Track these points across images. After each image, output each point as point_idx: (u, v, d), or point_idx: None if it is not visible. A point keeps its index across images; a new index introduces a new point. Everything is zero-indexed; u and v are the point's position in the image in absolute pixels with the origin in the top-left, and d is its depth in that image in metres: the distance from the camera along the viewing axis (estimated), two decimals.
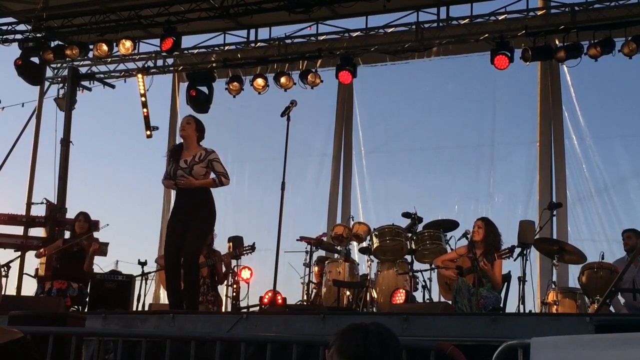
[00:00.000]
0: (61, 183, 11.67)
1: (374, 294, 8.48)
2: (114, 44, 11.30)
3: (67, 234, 10.17)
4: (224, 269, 9.10)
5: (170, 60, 13.12)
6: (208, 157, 7.07)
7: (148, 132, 12.29)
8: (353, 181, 12.51)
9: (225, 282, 9.38)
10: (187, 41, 12.08)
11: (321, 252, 9.85)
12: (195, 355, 4.69)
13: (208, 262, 8.75)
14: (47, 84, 13.21)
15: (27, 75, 11.84)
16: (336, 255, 9.47)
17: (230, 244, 9.35)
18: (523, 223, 8.17)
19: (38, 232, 11.04)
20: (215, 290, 8.95)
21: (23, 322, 4.97)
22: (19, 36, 11.98)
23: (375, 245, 8.65)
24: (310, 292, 9.27)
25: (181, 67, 13.06)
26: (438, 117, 12.42)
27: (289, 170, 7.92)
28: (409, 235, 8.67)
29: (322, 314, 5.93)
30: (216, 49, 12.65)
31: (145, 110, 12.39)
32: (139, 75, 12.47)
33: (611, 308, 7.54)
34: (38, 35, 11.76)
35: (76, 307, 8.57)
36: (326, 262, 9.24)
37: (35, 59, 11.84)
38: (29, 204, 12.13)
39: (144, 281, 9.27)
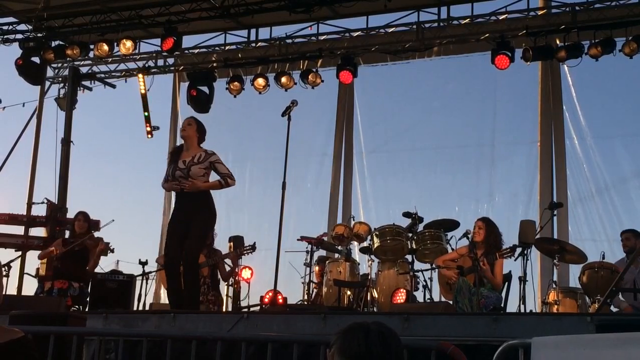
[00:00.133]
0: (62, 183, 11.68)
1: (375, 294, 8.48)
2: (115, 44, 11.30)
3: (66, 234, 10.16)
4: (227, 268, 9.08)
5: (171, 60, 13.13)
6: (209, 159, 7.06)
7: (148, 128, 12.28)
8: (354, 181, 12.52)
9: (226, 282, 9.37)
10: (188, 41, 12.11)
11: (322, 252, 9.86)
12: (196, 354, 4.69)
13: (209, 262, 8.75)
14: (47, 83, 13.23)
15: (27, 75, 11.84)
16: (337, 255, 9.47)
17: (231, 243, 9.34)
18: (524, 223, 8.18)
19: (39, 231, 11.05)
20: (216, 289, 8.95)
21: (24, 321, 4.97)
22: (19, 36, 11.99)
23: (376, 245, 8.66)
24: (311, 292, 9.27)
25: (182, 67, 13.06)
26: (439, 116, 12.42)
27: (290, 170, 7.92)
28: (410, 235, 8.67)
29: (323, 314, 5.93)
30: (217, 48, 12.66)
31: (145, 110, 12.39)
32: (140, 75, 12.47)
33: (613, 308, 7.55)
34: (39, 35, 11.76)
35: (77, 306, 8.57)
36: (327, 261, 9.24)
37: (36, 59, 11.84)
38: (30, 204, 12.14)
39: (144, 281, 9.28)
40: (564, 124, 11.24)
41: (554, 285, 8.15)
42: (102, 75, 13.12)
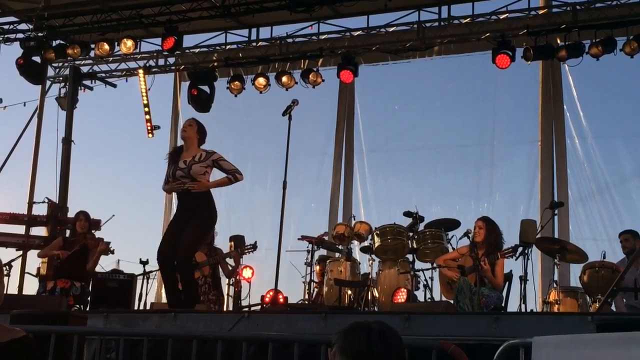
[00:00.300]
0: (63, 182, 11.66)
1: (376, 293, 8.48)
2: (116, 43, 11.29)
3: (67, 233, 10.16)
4: (229, 267, 9.07)
5: (171, 60, 13.13)
6: (211, 158, 7.04)
7: (149, 126, 12.27)
8: (354, 180, 12.53)
9: (227, 281, 9.38)
10: (189, 40, 12.11)
11: (322, 251, 9.86)
12: (196, 354, 4.69)
13: (210, 261, 8.75)
14: (48, 83, 13.24)
15: (28, 75, 11.84)
16: (337, 255, 9.46)
17: (232, 243, 9.35)
18: (524, 222, 8.18)
19: (39, 231, 11.05)
20: (217, 289, 8.94)
21: (25, 321, 4.96)
22: (20, 35, 11.98)
23: (376, 245, 8.65)
24: (311, 291, 9.28)
25: (183, 67, 13.07)
26: (439, 116, 12.44)
27: (291, 170, 7.91)
28: (411, 234, 8.67)
29: (324, 313, 5.94)
30: (217, 48, 12.66)
31: (146, 108, 12.38)
32: (140, 71, 12.47)
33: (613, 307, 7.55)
34: (39, 34, 11.76)
35: (78, 306, 8.58)
36: (328, 261, 9.24)
37: (37, 58, 11.83)
38: (31, 203, 12.15)
39: (145, 280, 9.28)
40: (565, 123, 11.25)
41: (555, 285, 8.15)
42: (103, 75, 13.12)
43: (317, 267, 9.40)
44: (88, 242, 8.74)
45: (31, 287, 10.44)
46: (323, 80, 11.77)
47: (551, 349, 3.70)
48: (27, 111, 12.87)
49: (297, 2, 10.40)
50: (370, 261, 8.84)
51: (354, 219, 9.51)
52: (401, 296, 8.08)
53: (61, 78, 13.39)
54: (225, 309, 9.07)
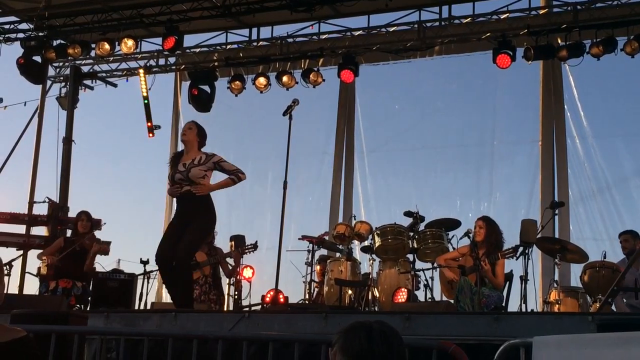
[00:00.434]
0: (63, 182, 11.66)
1: (376, 293, 8.49)
2: (116, 43, 11.30)
3: (68, 233, 10.17)
4: (230, 266, 9.08)
5: (172, 59, 13.13)
6: (212, 160, 7.03)
7: (149, 125, 12.26)
8: (355, 180, 12.53)
9: (228, 281, 9.38)
10: (189, 40, 12.12)
11: (323, 251, 9.86)
12: (197, 353, 4.69)
13: (211, 261, 8.75)
14: (49, 82, 13.23)
15: (29, 74, 11.84)
16: (338, 254, 9.46)
17: (233, 242, 9.35)
18: (525, 222, 8.17)
19: (40, 230, 11.05)
20: (217, 289, 8.95)
21: (25, 320, 4.96)
22: (21, 35, 11.98)
23: (377, 244, 8.65)
24: (312, 291, 9.28)
25: (183, 66, 13.07)
26: (440, 116, 12.43)
27: (291, 169, 7.91)
28: (411, 234, 8.67)
29: (324, 313, 5.94)
30: (218, 47, 12.66)
31: (146, 108, 12.37)
32: (141, 71, 12.46)
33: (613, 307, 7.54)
34: (40, 34, 11.76)
35: (79, 305, 8.59)
36: (328, 261, 9.24)
37: (38, 58, 11.84)
38: (31, 203, 12.14)
39: (146, 280, 9.28)
40: (565, 123, 11.24)
41: (555, 285, 8.15)
42: (104, 74, 13.12)
43: (318, 267, 9.40)
44: (85, 242, 8.75)
45: (32, 286, 10.44)
46: (324, 80, 11.77)
47: (552, 349, 3.70)
48: (28, 111, 12.89)
49: (298, 1, 10.40)
50: (371, 261, 8.83)
51: (355, 219, 9.51)
52: (402, 296, 8.08)
53: (62, 78, 13.39)
54: (225, 309, 9.07)
